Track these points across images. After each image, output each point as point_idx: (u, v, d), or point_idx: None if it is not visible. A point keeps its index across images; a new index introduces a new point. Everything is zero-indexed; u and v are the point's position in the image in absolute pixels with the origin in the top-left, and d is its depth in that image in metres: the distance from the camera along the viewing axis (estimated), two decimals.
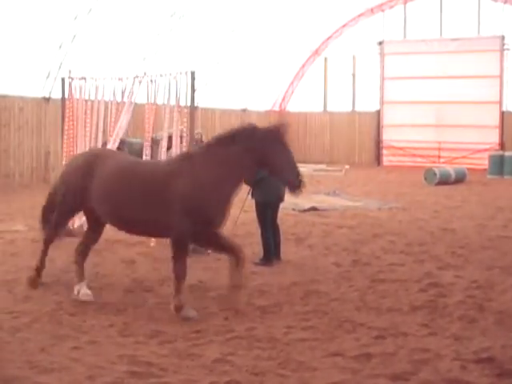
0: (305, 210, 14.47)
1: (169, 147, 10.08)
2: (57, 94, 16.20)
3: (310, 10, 28.58)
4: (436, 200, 16.88)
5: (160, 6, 23.04)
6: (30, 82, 20.28)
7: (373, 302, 7.04)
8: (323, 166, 27.31)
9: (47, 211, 7.63)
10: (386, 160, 30.96)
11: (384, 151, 31.18)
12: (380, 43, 30.98)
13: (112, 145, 10.33)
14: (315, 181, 20.46)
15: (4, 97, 19.28)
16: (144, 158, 10.03)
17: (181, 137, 10.01)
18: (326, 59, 32.60)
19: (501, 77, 28.87)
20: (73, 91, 10.93)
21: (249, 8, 26.57)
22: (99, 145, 10.75)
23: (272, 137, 6.56)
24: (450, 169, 22.78)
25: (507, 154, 24.94)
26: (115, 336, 5.86)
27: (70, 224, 9.31)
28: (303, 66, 33.04)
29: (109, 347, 5.52)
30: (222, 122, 27.75)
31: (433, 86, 29.41)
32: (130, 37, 22.37)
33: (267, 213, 9.18)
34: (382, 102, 31.28)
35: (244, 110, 29.74)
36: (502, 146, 28.08)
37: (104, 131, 10.85)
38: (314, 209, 14.77)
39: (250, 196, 9.23)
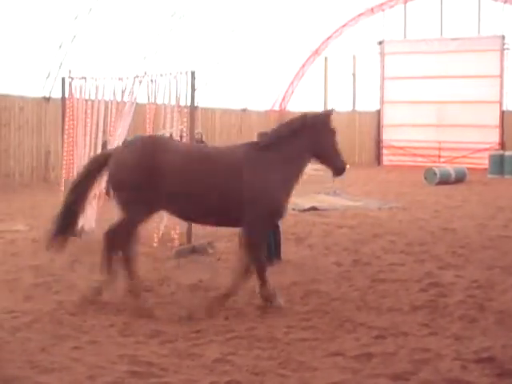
0: (305, 210, 14.47)
1: None
2: (57, 94, 16.24)
3: (310, 10, 28.58)
4: (436, 200, 16.88)
5: (160, 6, 23.06)
6: (31, 82, 20.32)
7: (373, 301, 7.03)
8: (323, 166, 27.22)
9: (65, 217, 6.89)
10: (387, 160, 30.98)
11: (384, 151, 31.21)
12: (380, 43, 31.02)
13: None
14: (315, 181, 20.41)
15: (4, 96, 19.31)
16: None
17: (181, 137, 10.02)
18: (326, 59, 32.57)
19: (501, 76, 28.90)
20: (73, 91, 10.93)
21: (249, 8, 26.59)
22: (99, 145, 10.75)
23: (321, 122, 6.91)
24: (451, 168, 22.78)
25: (507, 153, 24.96)
26: (116, 336, 5.85)
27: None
28: (303, 65, 33.04)
29: (109, 347, 5.51)
30: (222, 122, 27.78)
31: (433, 85, 29.42)
32: (130, 36, 22.39)
33: None
34: (382, 102, 31.32)
35: (244, 110, 29.72)
36: (503, 145, 28.10)
37: (104, 131, 10.85)
38: (314, 208, 14.78)
39: None
